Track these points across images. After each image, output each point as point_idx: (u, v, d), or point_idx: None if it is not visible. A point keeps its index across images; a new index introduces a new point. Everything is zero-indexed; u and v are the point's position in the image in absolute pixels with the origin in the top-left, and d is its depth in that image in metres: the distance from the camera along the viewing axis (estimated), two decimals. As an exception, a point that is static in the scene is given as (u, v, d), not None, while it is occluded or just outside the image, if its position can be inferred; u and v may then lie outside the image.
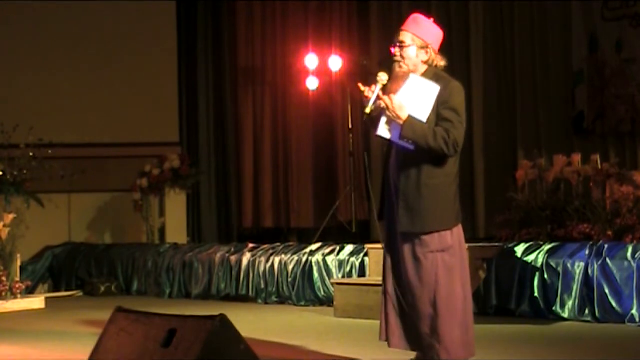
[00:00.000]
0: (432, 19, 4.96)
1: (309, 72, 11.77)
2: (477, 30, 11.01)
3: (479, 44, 10.99)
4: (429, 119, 4.71)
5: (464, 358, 4.74)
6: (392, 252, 4.86)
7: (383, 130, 4.74)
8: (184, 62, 12.68)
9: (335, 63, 11.56)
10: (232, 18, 12.82)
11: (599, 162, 8.72)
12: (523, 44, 10.65)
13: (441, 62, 4.88)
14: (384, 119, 4.72)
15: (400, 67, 4.84)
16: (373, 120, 4.82)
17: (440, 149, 4.67)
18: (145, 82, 12.20)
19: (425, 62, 4.85)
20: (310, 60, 11.71)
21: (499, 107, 10.86)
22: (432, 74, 4.83)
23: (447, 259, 4.72)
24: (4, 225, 9.19)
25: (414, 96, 4.71)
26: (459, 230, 4.82)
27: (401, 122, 4.65)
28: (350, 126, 11.22)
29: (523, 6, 10.66)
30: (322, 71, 11.75)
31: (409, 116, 4.66)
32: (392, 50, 4.86)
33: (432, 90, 4.71)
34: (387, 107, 4.68)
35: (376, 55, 11.69)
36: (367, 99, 4.79)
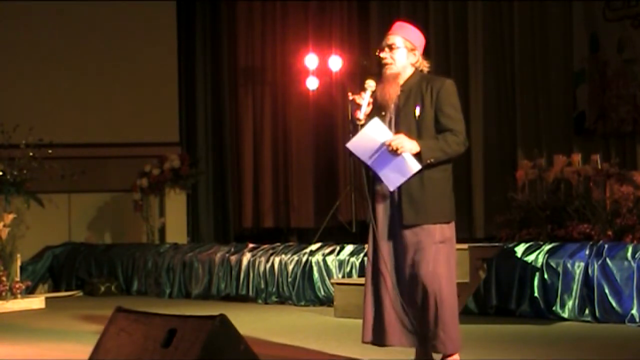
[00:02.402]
0: (412, 26, 5.08)
1: (309, 72, 11.77)
2: (476, 30, 10.99)
3: (478, 43, 10.97)
4: (427, 114, 4.80)
5: (459, 348, 4.86)
6: (392, 248, 4.89)
7: (415, 165, 4.74)
8: (184, 62, 12.68)
9: (335, 63, 11.56)
10: (232, 18, 12.82)
11: (599, 162, 8.72)
12: (523, 43, 10.64)
13: (425, 67, 5.01)
14: (407, 156, 4.71)
15: (391, 69, 4.95)
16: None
17: (456, 152, 4.85)
18: (145, 82, 12.21)
19: (413, 65, 4.98)
20: (310, 60, 11.70)
21: (498, 107, 10.85)
22: (418, 76, 4.98)
23: (447, 251, 4.85)
24: (4, 225, 9.18)
25: (382, 131, 4.76)
26: (453, 225, 4.93)
27: (418, 149, 4.73)
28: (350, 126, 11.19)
29: (523, 6, 10.65)
30: (322, 71, 11.75)
31: (418, 141, 4.75)
32: (382, 53, 4.98)
33: (375, 124, 4.77)
34: (398, 148, 4.70)
35: (376, 56, 11.67)
36: (359, 106, 4.89)
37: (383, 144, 4.74)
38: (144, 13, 12.30)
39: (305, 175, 12.49)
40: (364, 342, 5.00)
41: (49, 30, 12.01)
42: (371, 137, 4.75)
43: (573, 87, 10.23)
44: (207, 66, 12.78)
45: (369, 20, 12.14)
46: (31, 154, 10.32)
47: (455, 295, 4.85)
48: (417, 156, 4.74)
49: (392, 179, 4.79)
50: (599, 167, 8.67)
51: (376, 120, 4.79)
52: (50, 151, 10.41)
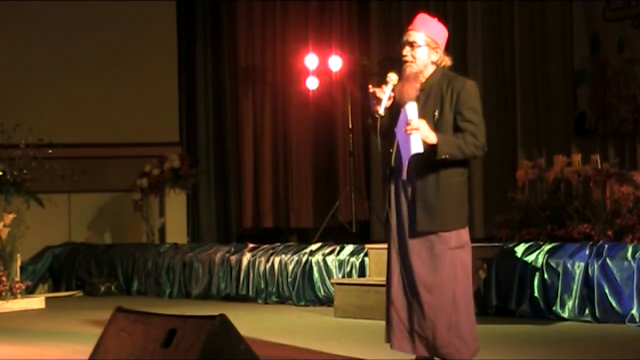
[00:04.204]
0: (435, 18, 4.96)
1: (309, 72, 11.75)
2: (476, 30, 10.99)
3: (478, 43, 10.97)
4: (446, 117, 4.72)
5: (477, 352, 4.82)
6: (403, 253, 4.84)
7: (418, 147, 4.63)
8: (184, 62, 12.68)
9: (335, 63, 11.54)
10: (232, 18, 12.81)
11: (599, 162, 8.72)
12: (523, 43, 10.63)
13: (448, 62, 4.90)
14: (414, 137, 4.61)
15: (411, 67, 4.82)
16: (382, 127, 4.80)
17: (472, 154, 4.74)
18: (145, 82, 12.20)
19: (434, 63, 4.86)
20: (310, 60, 11.68)
21: (498, 107, 10.84)
22: (440, 74, 4.85)
23: (464, 255, 4.80)
24: (4, 225, 9.18)
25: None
26: (467, 229, 4.88)
27: (435, 141, 4.62)
28: (350, 126, 11.21)
29: (523, 6, 10.65)
30: (322, 71, 11.73)
31: (437, 134, 4.65)
32: (403, 51, 4.83)
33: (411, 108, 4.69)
34: (417, 129, 4.60)
35: (376, 55, 11.68)
36: (379, 100, 4.77)
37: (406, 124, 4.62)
38: (144, 13, 12.29)
39: (305, 175, 12.48)
40: (386, 342, 4.96)
41: (49, 31, 12.00)
42: (405, 116, 4.64)
43: (573, 87, 10.23)
44: (207, 66, 12.78)
45: (369, 20, 12.13)
46: (31, 154, 10.32)
47: (471, 301, 4.81)
48: (433, 149, 4.63)
49: (403, 160, 4.70)
50: (599, 167, 8.67)
51: (413, 104, 4.66)
52: (50, 151, 10.41)
